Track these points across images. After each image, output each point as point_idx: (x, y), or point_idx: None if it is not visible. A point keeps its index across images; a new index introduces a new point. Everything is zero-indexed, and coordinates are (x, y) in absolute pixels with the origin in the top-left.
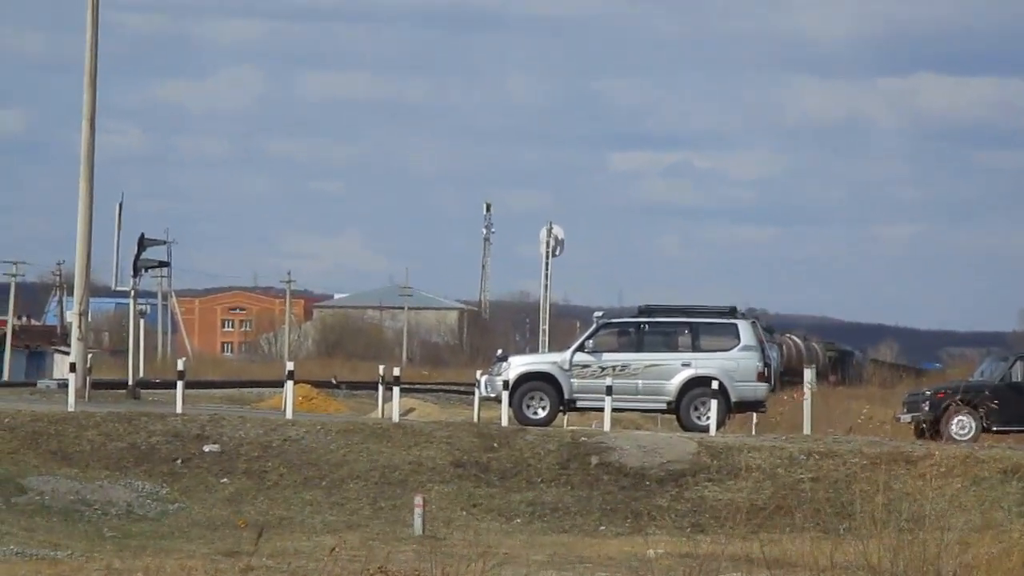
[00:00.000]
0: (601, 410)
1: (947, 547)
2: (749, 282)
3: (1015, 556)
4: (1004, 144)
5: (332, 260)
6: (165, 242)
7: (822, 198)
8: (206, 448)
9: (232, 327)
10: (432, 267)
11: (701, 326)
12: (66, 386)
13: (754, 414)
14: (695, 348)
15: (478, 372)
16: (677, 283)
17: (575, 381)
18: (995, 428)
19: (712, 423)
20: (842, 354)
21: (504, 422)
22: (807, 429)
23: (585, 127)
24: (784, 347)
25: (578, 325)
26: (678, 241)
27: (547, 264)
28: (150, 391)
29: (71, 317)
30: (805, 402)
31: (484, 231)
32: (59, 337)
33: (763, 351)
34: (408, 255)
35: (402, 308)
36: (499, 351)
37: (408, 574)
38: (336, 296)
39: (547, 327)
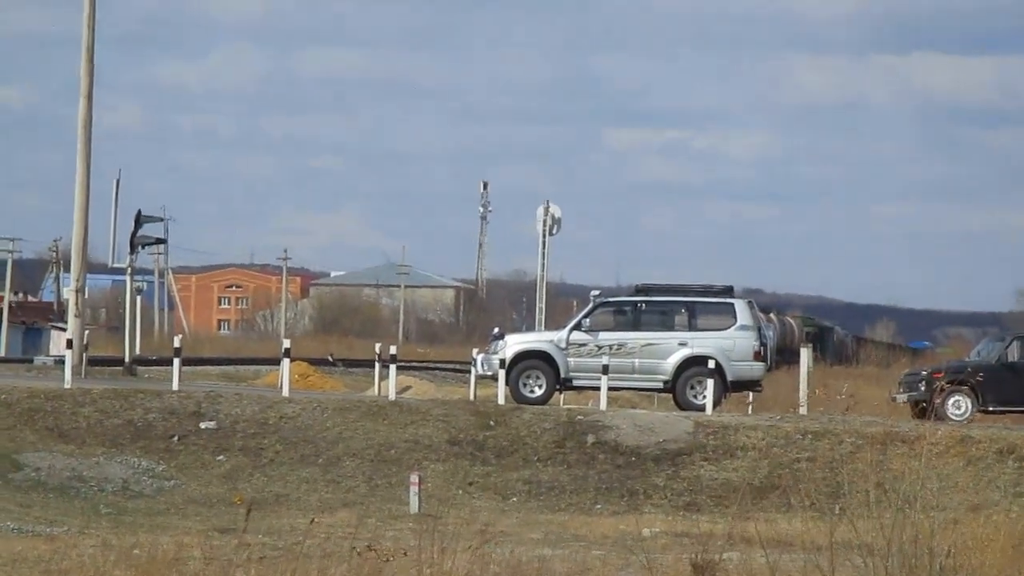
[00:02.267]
0: (597, 389)
1: (940, 527)
2: (747, 261)
3: (1008, 536)
4: (1003, 123)
5: (329, 238)
6: (162, 219)
7: (820, 177)
8: (202, 425)
9: (229, 304)
10: (429, 245)
11: (698, 305)
12: (63, 362)
13: (750, 393)
14: (692, 327)
15: (474, 350)
16: (674, 262)
17: (571, 360)
18: (991, 408)
19: (708, 402)
20: (821, 330)
21: (500, 400)
22: (803, 409)
23: (583, 105)
24: None
25: (575, 304)
26: (675, 220)
27: (544, 243)
28: (146, 368)
29: (68, 294)
30: (801, 381)
31: (481, 209)
32: (56, 314)
33: (759, 330)
34: (406, 233)
35: (399, 286)
36: (495, 329)
37: (396, 550)
38: (333, 274)
39: (544, 305)
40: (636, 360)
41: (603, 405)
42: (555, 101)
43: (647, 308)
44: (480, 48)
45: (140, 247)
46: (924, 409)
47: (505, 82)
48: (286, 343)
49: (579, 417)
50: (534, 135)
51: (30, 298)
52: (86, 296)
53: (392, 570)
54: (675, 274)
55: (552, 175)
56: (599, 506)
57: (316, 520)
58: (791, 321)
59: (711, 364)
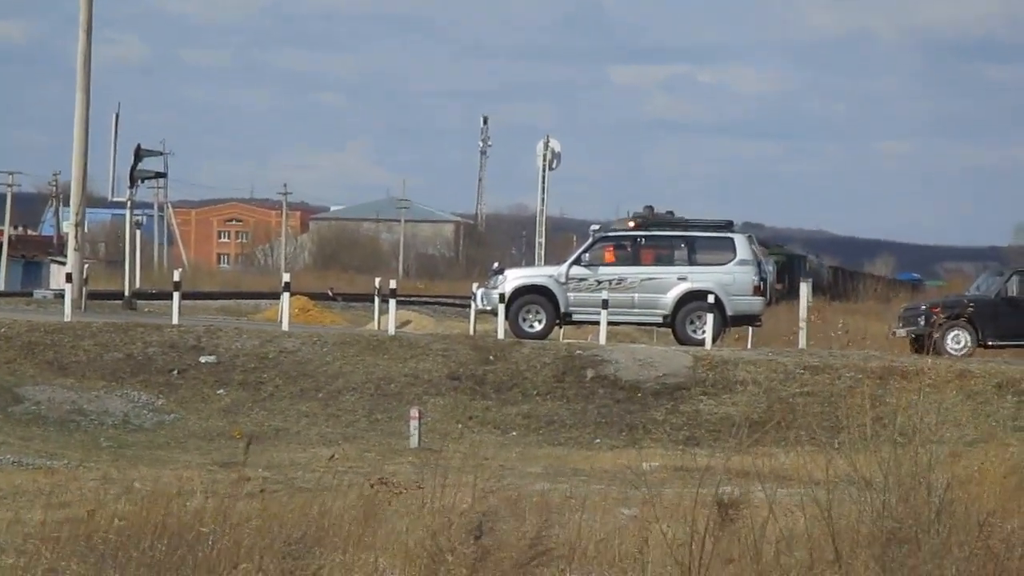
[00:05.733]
0: (597, 323)
1: (939, 461)
2: (749, 197)
3: (1006, 470)
4: (1005, 59)
5: (330, 172)
6: (161, 153)
7: (824, 113)
8: (202, 359)
9: (228, 238)
10: (430, 180)
11: (697, 240)
12: (62, 296)
13: (750, 328)
14: (691, 262)
15: (474, 285)
16: (675, 197)
17: (571, 295)
18: (990, 342)
19: (708, 337)
20: (791, 259)
21: (500, 335)
22: (802, 343)
23: (586, 41)
24: None
25: (575, 239)
26: (677, 155)
27: (544, 177)
28: (146, 302)
29: (67, 227)
30: (801, 316)
31: (481, 144)
32: (55, 247)
33: (759, 265)
34: (407, 169)
35: (399, 220)
36: (495, 264)
37: (407, 484)
38: (333, 208)
39: (543, 240)
40: (636, 295)
41: (602, 340)
42: (560, 38)
43: (647, 243)
44: None
45: (140, 181)
46: (923, 343)
47: (510, 19)
48: (286, 277)
49: (578, 352)
50: (539, 72)
51: (30, 232)
52: (86, 230)
53: (395, 504)
54: (676, 209)
55: (555, 112)
56: (598, 440)
57: (317, 454)
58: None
59: (711, 299)
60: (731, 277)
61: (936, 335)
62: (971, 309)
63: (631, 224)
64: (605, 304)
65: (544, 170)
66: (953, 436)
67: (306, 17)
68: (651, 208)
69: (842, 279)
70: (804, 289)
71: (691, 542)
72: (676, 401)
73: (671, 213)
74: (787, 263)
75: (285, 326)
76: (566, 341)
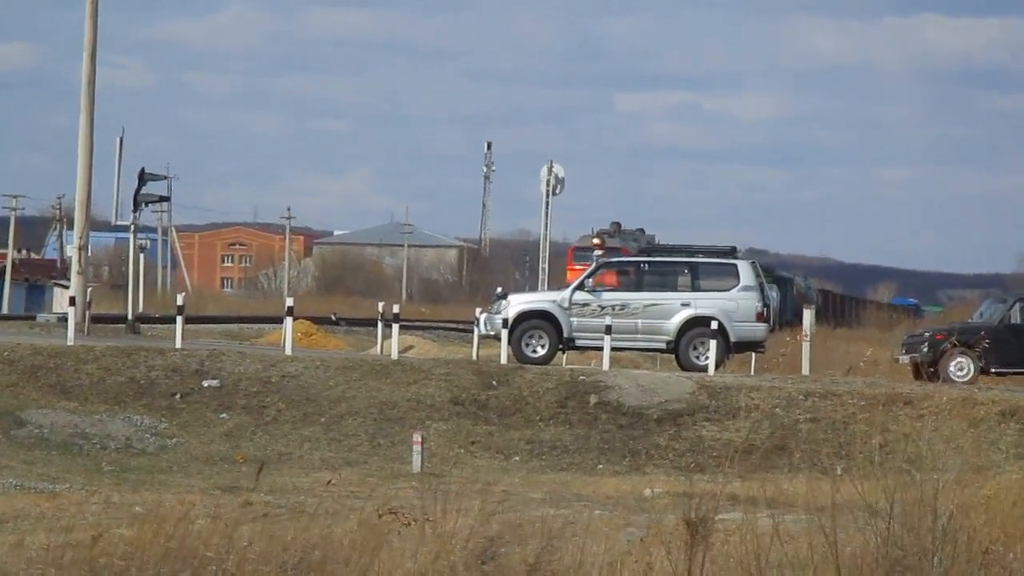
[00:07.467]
0: (600, 349)
1: (943, 488)
2: (753, 223)
3: (1011, 497)
4: (1009, 86)
5: (333, 197)
6: (166, 177)
7: (828, 140)
8: (205, 383)
9: (232, 262)
10: (434, 205)
11: (701, 266)
12: (66, 320)
13: (753, 354)
14: (695, 288)
15: (477, 310)
16: (680, 224)
17: (574, 320)
18: (993, 370)
19: (711, 363)
20: (778, 281)
21: (503, 360)
22: (806, 370)
23: (591, 68)
24: None
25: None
26: (682, 182)
27: (547, 202)
28: (149, 326)
29: (71, 251)
30: (804, 343)
31: (485, 169)
32: (59, 271)
33: (762, 291)
34: (410, 193)
35: (402, 245)
36: (498, 289)
37: (415, 516)
38: (336, 233)
39: (547, 266)
40: (639, 320)
41: (606, 365)
42: (565, 64)
43: (650, 268)
44: (490, 10)
45: (143, 205)
46: (926, 370)
47: (515, 45)
48: (289, 301)
49: (581, 377)
50: (543, 98)
51: (33, 255)
52: (89, 254)
53: (399, 532)
54: (681, 235)
55: (560, 137)
56: (601, 466)
57: (319, 478)
58: None
59: (714, 325)
60: (734, 303)
61: (940, 362)
62: (974, 336)
63: (596, 241)
64: (608, 330)
65: (548, 195)
66: (957, 463)
67: (311, 43)
68: (618, 225)
69: (832, 303)
70: (808, 315)
71: (690, 567)
72: (679, 427)
73: (641, 231)
74: (773, 285)
75: (288, 350)
76: (569, 367)
